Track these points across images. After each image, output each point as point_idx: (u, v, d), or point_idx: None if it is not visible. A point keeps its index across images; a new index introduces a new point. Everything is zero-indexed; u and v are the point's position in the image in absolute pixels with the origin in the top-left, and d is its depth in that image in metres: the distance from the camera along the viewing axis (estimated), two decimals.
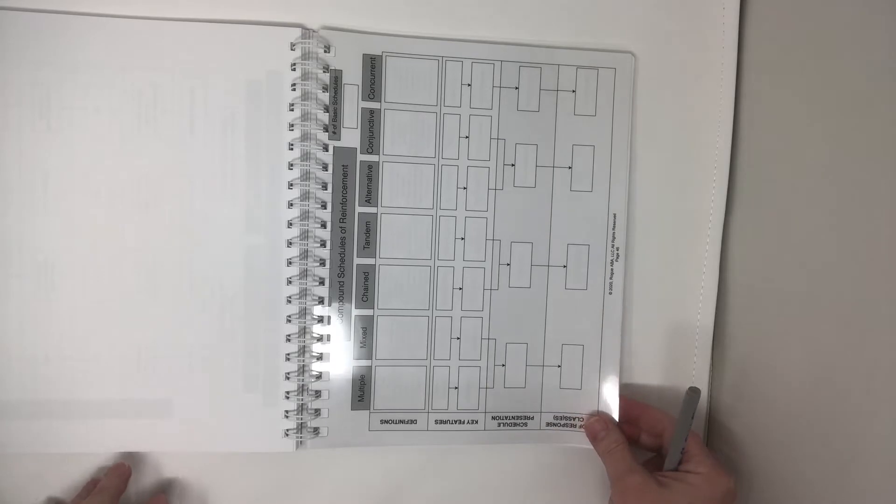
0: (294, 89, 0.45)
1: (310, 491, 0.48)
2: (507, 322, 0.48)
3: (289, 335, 0.45)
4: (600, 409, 0.48)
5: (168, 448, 0.46)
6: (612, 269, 0.48)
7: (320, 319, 0.46)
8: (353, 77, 0.45)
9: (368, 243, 0.46)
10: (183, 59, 0.44)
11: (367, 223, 0.46)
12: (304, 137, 0.45)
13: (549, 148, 0.47)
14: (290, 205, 0.45)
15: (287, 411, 0.46)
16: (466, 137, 0.47)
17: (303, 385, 0.46)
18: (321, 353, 0.46)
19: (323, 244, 0.46)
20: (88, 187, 0.43)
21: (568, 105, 0.47)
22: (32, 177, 0.43)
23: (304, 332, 0.46)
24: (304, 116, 0.45)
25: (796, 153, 0.43)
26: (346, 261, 0.46)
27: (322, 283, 0.46)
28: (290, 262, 0.45)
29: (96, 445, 0.45)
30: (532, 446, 0.49)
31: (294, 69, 0.44)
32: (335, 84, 0.45)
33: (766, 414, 0.45)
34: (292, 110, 0.45)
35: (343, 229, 0.46)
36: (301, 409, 0.46)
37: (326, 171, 0.45)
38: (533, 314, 0.48)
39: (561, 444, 0.48)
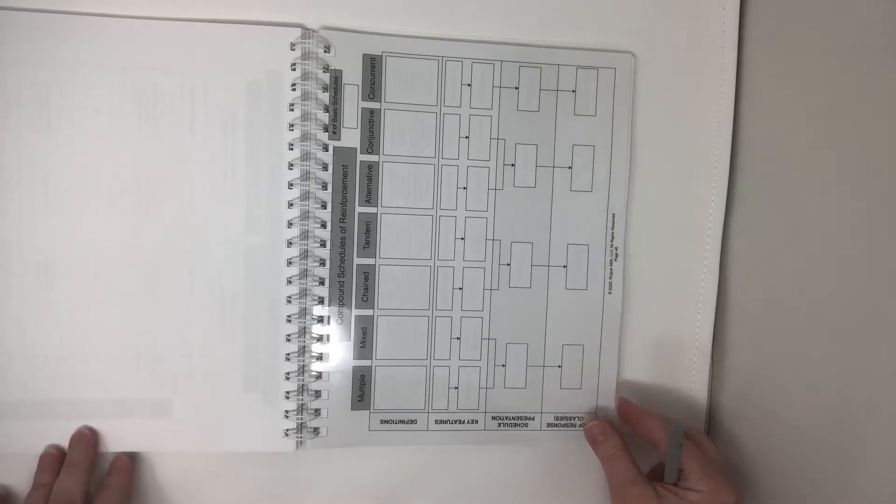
0: (294, 89, 0.45)
1: (310, 491, 0.48)
2: (507, 322, 0.48)
3: (289, 335, 0.45)
4: (599, 407, 0.48)
5: (168, 448, 0.46)
6: (611, 269, 0.48)
7: (320, 319, 0.46)
8: (353, 77, 0.45)
9: (368, 243, 0.46)
10: (183, 59, 0.44)
11: (367, 223, 0.46)
12: (304, 137, 0.45)
13: (549, 148, 0.47)
14: (290, 205, 0.45)
15: (287, 411, 0.46)
16: (466, 137, 0.47)
17: (303, 385, 0.46)
18: (321, 353, 0.46)
19: (323, 244, 0.45)
20: (88, 187, 0.43)
21: (568, 105, 0.47)
22: (32, 177, 0.43)
23: (303, 332, 0.46)
24: (304, 116, 0.45)
25: (796, 153, 0.43)
26: (346, 261, 0.46)
27: (322, 283, 0.46)
28: (290, 262, 0.45)
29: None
30: (532, 446, 0.49)
31: (294, 69, 0.44)
32: (335, 84, 0.45)
33: (766, 414, 0.45)
34: (292, 110, 0.45)
35: (343, 229, 0.46)
36: (301, 409, 0.46)
37: (326, 171, 0.45)
38: (533, 314, 0.48)
39: (561, 444, 0.48)
